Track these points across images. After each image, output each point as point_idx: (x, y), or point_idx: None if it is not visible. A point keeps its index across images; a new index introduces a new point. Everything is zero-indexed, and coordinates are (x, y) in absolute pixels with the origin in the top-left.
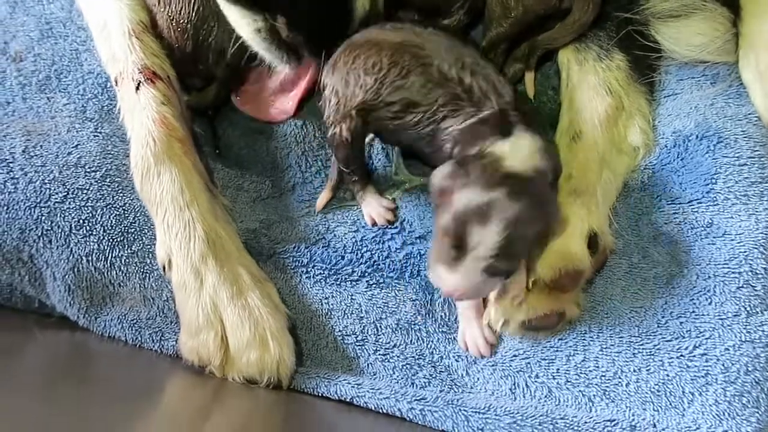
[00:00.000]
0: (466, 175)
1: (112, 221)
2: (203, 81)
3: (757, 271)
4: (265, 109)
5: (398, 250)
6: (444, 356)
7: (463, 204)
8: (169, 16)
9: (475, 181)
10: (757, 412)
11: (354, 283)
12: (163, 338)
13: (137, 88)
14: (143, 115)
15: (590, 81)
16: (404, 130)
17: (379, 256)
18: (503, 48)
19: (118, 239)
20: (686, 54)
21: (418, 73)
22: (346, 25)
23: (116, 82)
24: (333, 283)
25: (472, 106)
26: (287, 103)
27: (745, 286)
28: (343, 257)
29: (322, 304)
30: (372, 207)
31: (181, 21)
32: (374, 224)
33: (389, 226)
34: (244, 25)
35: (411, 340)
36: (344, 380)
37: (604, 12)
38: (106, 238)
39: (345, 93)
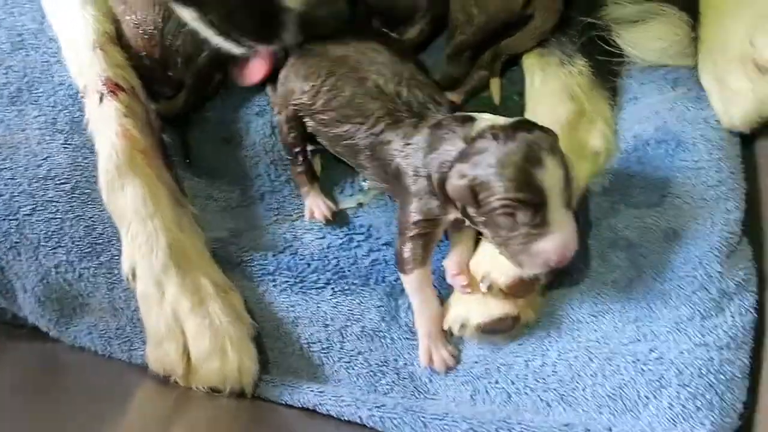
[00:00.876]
0: (498, 149)
1: (80, 233)
2: (173, 88)
3: (712, 275)
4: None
5: (364, 257)
6: (408, 363)
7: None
8: (135, 24)
9: (509, 145)
10: (711, 415)
11: (319, 290)
12: (132, 348)
13: (100, 100)
14: (107, 127)
15: (553, 86)
16: (342, 140)
17: (345, 263)
18: (468, 55)
19: (87, 251)
20: (647, 58)
21: (354, 86)
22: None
23: (83, 94)
24: (299, 291)
25: (412, 117)
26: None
27: (699, 289)
28: (309, 264)
29: (288, 312)
30: (314, 202)
31: (147, 28)
32: (312, 217)
33: (357, 231)
34: (189, 18)
35: (375, 347)
36: (307, 388)
37: (568, 17)
38: (74, 249)
39: (288, 89)
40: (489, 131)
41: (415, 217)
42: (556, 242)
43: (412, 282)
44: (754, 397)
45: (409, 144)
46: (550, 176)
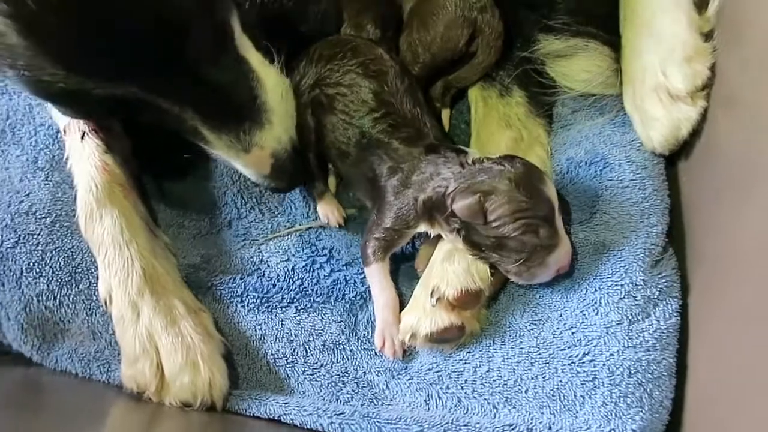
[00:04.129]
0: (507, 172)
1: (60, 263)
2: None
3: (637, 283)
4: None
5: (326, 277)
6: (366, 371)
7: (547, 194)
8: None
9: (517, 169)
10: (641, 411)
11: (284, 309)
12: (110, 369)
13: (82, 138)
14: (88, 162)
15: (493, 116)
16: (341, 126)
17: (308, 283)
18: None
19: (66, 279)
20: (576, 88)
21: (373, 73)
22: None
23: (64, 132)
24: (265, 311)
25: (408, 127)
26: None
27: (626, 296)
28: (274, 285)
29: (255, 330)
30: (327, 208)
31: None
32: (328, 222)
33: (320, 253)
34: None
35: (336, 359)
36: (273, 400)
37: (505, 53)
38: (54, 279)
39: (307, 71)
40: (488, 160)
41: (387, 223)
42: (566, 249)
43: (371, 273)
44: (682, 393)
45: (398, 156)
46: (552, 192)
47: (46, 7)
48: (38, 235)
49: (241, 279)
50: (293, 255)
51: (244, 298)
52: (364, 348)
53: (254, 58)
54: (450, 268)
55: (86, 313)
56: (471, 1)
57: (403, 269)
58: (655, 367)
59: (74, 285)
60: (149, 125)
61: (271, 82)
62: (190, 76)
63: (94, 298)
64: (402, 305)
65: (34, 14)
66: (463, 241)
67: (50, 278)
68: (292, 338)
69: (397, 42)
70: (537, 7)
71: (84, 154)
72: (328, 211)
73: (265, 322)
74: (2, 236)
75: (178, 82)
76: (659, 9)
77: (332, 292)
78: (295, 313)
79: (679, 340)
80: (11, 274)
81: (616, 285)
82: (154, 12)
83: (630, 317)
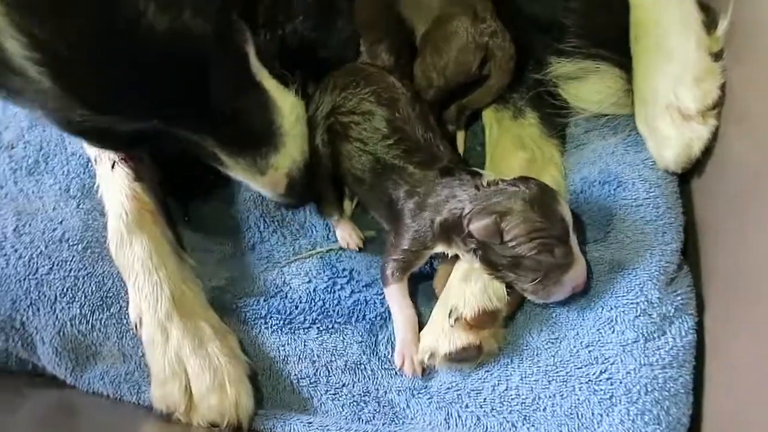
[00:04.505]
0: (522, 193)
1: (92, 288)
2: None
3: (652, 301)
4: None
5: (347, 298)
6: (387, 391)
7: (561, 214)
8: None
9: (531, 190)
10: (659, 428)
11: (306, 330)
12: (140, 391)
13: (113, 167)
14: (118, 190)
15: (507, 138)
16: (363, 148)
17: (329, 304)
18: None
19: (98, 304)
20: (588, 109)
21: (386, 101)
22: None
23: (95, 162)
24: (288, 332)
25: (422, 152)
26: None
27: (642, 314)
28: (297, 307)
29: (279, 352)
30: (345, 231)
31: None
32: (347, 246)
33: (341, 275)
34: None
35: (358, 379)
36: (297, 419)
37: (518, 76)
38: (87, 303)
39: (323, 100)
40: (503, 181)
41: (405, 245)
42: (581, 268)
43: (391, 294)
44: (699, 410)
45: (414, 180)
46: (567, 211)
47: (77, 55)
48: (71, 261)
49: (264, 301)
50: (314, 277)
51: (267, 320)
52: (385, 368)
53: (269, 83)
54: (467, 288)
55: (117, 336)
56: (482, 26)
57: (422, 289)
58: (671, 385)
59: (106, 309)
60: (174, 153)
61: (287, 106)
62: (208, 106)
63: (125, 321)
64: (421, 324)
65: (66, 61)
66: (480, 260)
67: (83, 303)
68: (314, 358)
69: (411, 67)
70: (548, 30)
71: (114, 182)
72: (346, 234)
73: (288, 343)
74: (37, 263)
75: (198, 113)
76: (669, 31)
77: (353, 312)
78: (317, 333)
79: (695, 357)
80: (46, 299)
81: (631, 303)
82: (175, 50)
83: (646, 335)
